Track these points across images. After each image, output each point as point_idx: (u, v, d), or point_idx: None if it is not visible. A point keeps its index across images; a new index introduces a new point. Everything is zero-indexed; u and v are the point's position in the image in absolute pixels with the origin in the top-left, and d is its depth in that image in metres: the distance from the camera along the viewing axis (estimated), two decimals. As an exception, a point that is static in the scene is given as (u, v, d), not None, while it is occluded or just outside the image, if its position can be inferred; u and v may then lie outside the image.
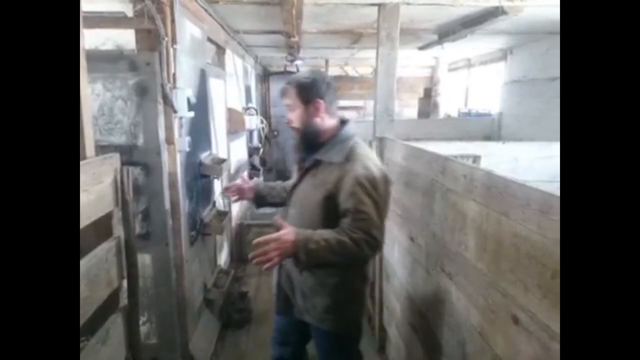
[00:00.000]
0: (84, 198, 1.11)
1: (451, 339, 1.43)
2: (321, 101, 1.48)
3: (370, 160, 1.44)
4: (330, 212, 1.39)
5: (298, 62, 5.40)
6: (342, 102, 7.23)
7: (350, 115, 6.92)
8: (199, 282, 2.61)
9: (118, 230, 1.35)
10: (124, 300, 1.38)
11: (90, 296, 1.13)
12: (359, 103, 7.24)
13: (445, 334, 1.49)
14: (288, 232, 1.28)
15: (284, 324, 1.74)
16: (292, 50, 4.92)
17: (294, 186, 1.56)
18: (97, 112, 2.01)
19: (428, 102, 6.39)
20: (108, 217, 1.31)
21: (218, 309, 2.84)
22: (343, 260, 1.32)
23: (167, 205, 2.11)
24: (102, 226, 1.32)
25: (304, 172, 1.52)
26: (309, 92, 1.48)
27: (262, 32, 3.89)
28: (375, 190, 1.36)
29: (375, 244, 1.34)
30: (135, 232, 1.94)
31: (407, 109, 7.18)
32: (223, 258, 3.45)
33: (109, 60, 1.95)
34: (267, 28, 3.75)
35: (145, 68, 1.97)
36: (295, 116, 1.50)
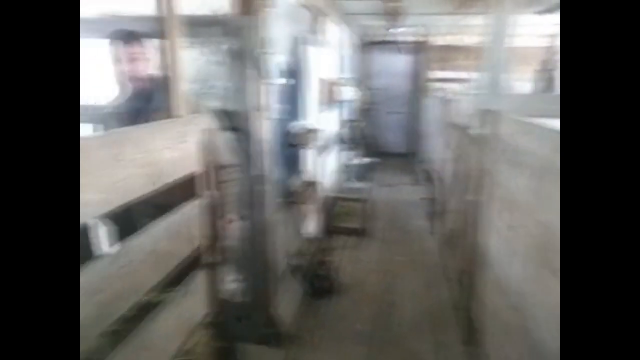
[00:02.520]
0: (166, 154, 1.13)
1: (553, 341, 1.21)
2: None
3: None
4: None
5: (399, 30, 5.10)
6: (445, 74, 6.76)
7: (453, 87, 6.43)
8: (284, 248, 2.66)
9: (202, 191, 1.38)
10: (207, 258, 1.42)
11: (170, 251, 1.17)
12: (464, 75, 6.66)
13: (545, 334, 1.27)
14: None
15: None
16: (393, 17, 4.65)
17: None
18: (194, 78, 2.09)
19: (545, 75, 5.60)
20: (192, 177, 1.34)
21: (301, 276, 2.88)
22: None
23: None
24: (187, 186, 1.35)
25: None
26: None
27: (361, -3, 3.71)
28: None
29: None
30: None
31: (521, 82, 6.40)
32: (309, 228, 3.49)
33: (204, 24, 1.99)
34: (366, -8, 3.57)
35: (238, 32, 1.98)
36: (145, 66, 1.53)
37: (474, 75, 6.52)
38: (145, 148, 1.03)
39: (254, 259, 2.26)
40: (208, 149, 1.34)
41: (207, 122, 1.34)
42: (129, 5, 2.09)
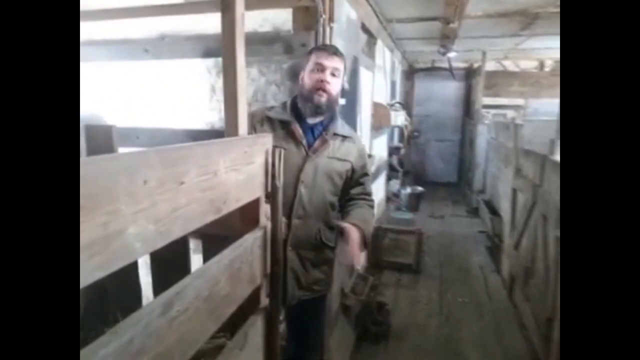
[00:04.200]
0: (232, 177, 0.95)
1: None
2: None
3: None
4: (345, 182, 1.54)
5: (451, 54, 4.90)
6: (499, 100, 6.42)
7: (509, 114, 6.08)
8: (336, 284, 2.41)
9: (264, 220, 1.18)
10: (264, 300, 1.21)
11: (231, 293, 0.97)
12: (519, 101, 6.30)
13: None
14: (354, 232, 1.39)
15: (294, 317, 1.70)
16: (447, 40, 4.46)
17: (303, 161, 1.45)
18: (252, 98, 1.96)
19: None
20: (255, 203, 1.16)
21: (354, 318, 2.60)
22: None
23: (312, 198, 1.94)
24: (249, 213, 1.17)
25: (319, 145, 1.46)
26: (345, 69, 1.50)
27: (417, 19, 3.56)
28: None
29: None
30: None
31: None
32: (360, 263, 3.22)
33: (265, 42, 1.87)
34: (424, 14, 3.41)
35: (300, 50, 1.84)
36: (335, 84, 1.44)
37: (531, 102, 6.15)
38: (211, 169, 0.85)
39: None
40: (271, 171, 1.15)
41: (270, 142, 1.17)
42: (187, 24, 2.02)
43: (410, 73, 7.09)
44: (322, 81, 1.39)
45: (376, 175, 4.06)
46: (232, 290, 0.98)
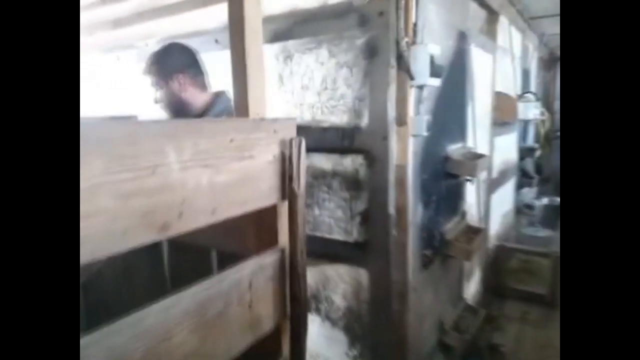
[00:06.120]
0: (200, 177, 0.63)
1: None
2: (182, 75, 1.49)
3: None
4: None
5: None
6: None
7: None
8: (432, 318, 1.93)
9: (284, 240, 0.84)
10: (285, 350, 0.87)
11: (202, 348, 0.65)
12: None
13: None
14: None
15: None
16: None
17: None
18: (320, 86, 1.64)
19: None
20: (270, 216, 0.83)
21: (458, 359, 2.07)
22: None
23: (392, 209, 1.53)
24: (262, 229, 0.85)
25: None
26: (167, 68, 1.45)
27: (556, -16, 2.78)
28: None
29: None
30: (353, 237, 1.51)
31: None
32: (471, 289, 2.62)
33: (334, 16, 1.54)
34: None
35: (376, 20, 1.46)
36: (161, 95, 1.48)
37: None
38: (144, 162, 0.55)
39: (381, 333, 1.62)
40: (288, 170, 0.80)
41: (293, 129, 0.82)
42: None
43: (551, 61, 5.91)
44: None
45: (500, 182, 3.35)
46: (203, 345, 0.66)
